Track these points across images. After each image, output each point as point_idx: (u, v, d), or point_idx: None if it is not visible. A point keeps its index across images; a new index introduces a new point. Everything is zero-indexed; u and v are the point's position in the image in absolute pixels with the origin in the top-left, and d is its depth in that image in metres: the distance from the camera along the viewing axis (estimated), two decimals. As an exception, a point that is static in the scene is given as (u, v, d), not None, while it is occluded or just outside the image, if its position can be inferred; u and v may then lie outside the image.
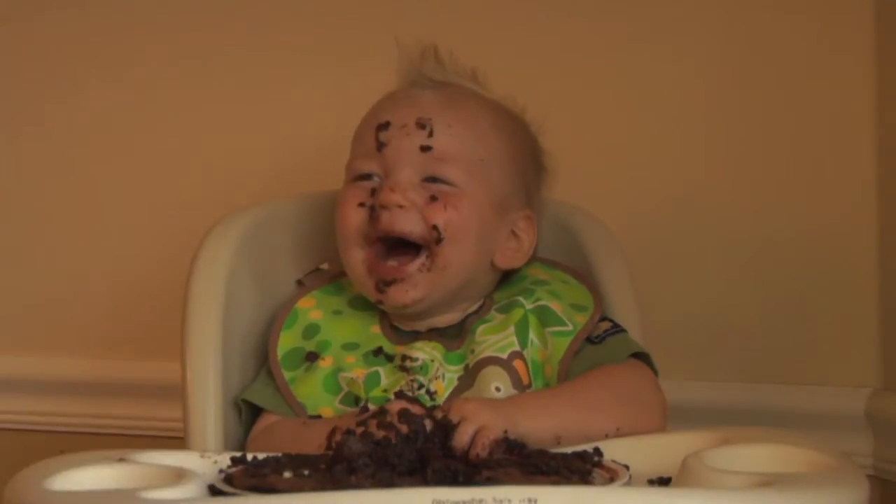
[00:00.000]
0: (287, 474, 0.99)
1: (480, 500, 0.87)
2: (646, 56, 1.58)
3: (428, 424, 1.05)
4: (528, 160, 1.28)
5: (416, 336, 1.25)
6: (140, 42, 1.76)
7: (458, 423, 1.05)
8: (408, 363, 1.21)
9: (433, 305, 1.23)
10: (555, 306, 1.25)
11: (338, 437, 1.10)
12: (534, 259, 1.31)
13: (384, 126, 1.22)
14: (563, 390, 1.18)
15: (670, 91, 1.57)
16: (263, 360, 1.27)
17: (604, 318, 1.27)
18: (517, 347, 1.22)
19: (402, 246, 1.22)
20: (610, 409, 1.15)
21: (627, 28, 1.58)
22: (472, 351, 1.22)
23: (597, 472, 1.01)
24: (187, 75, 1.74)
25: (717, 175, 1.57)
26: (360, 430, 1.04)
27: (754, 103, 1.55)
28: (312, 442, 1.12)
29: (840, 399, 1.52)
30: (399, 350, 1.23)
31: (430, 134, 1.21)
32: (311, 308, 1.28)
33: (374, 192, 1.22)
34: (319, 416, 1.21)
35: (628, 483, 0.98)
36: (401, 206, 1.20)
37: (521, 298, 1.25)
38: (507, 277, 1.29)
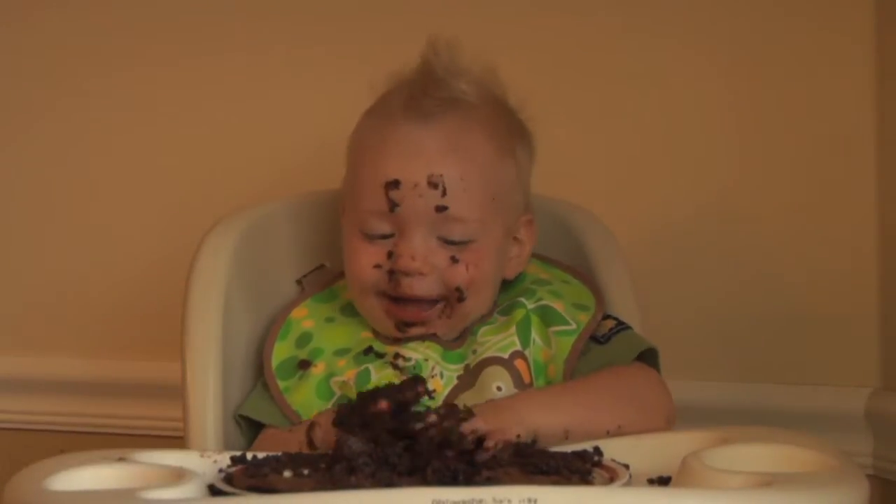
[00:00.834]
0: (287, 474, 0.99)
1: (480, 501, 0.87)
2: (647, 55, 1.58)
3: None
4: (527, 163, 1.28)
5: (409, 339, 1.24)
6: (139, 43, 1.76)
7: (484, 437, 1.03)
8: (400, 362, 1.21)
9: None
10: (557, 306, 1.25)
11: (315, 431, 1.11)
12: (532, 256, 1.31)
13: (394, 184, 1.19)
14: (568, 388, 1.18)
15: (671, 91, 1.57)
16: (260, 363, 1.26)
17: (607, 316, 1.27)
18: (518, 347, 1.22)
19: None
20: (612, 408, 1.16)
21: (628, 27, 1.58)
22: (474, 351, 1.22)
23: (597, 472, 1.01)
24: (186, 77, 1.74)
25: (718, 175, 1.57)
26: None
27: (755, 103, 1.55)
28: (295, 442, 1.13)
29: (840, 399, 1.52)
30: (391, 349, 1.23)
31: (444, 193, 1.19)
32: (304, 317, 1.28)
33: (390, 254, 1.20)
34: None
35: (628, 483, 0.98)
36: (422, 274, 1.19)
37: (522, 299, 1.25)
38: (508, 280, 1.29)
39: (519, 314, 1.24)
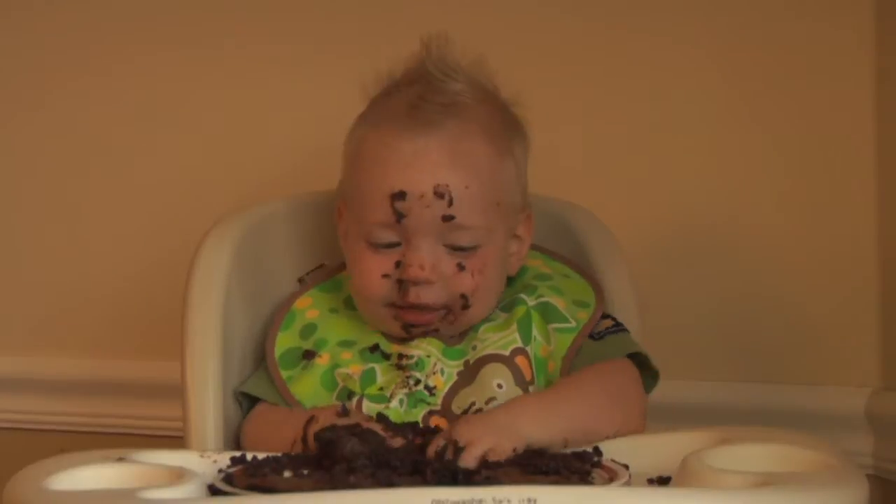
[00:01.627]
0: (287, 474, 0.99)
1: (480, 501, 0.87)
2: (648, 55, 1.58)
3: (397, 443, 1.06)
4: (524, 158, 1.27)
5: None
6: (137, 43, 1.76)
7: (465, 446, 1.04)
8: (404, 361, 1.21)
9: None
10: (557, 303, 1.25)
11: (313, 427, 1.11)
12: (533, 248, 1.31)
13: (400, 196, 1.18)
14: (562, 396, 1.17)
15: (671, 91, 1.57)
16: (262, 361, 1.26)
17: (606, 316, 1.27)
18: (520, 344, 1.22)
19: None
20: (610, 411, 1.16)
21: (628, 26, 1.58)
22: (474, 347, 1.23)
23: (596, 472, 1.01)
24: (185, 77, 1.74)
25: (718, 175, 1.57)
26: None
27: (756, 103, 1.55)
28: (294, 425, 1.13)
29: (840, 398, 1.52)
30: (395, 348, 1.23)
31: (450, 202, 1.18)
32: (308, 307, 1.28)
33: (397, 263, 1.20)
34: None
35: (628, 483, 0.98)
36: (430, 282, 1.20)
37: (523, 295, 1.25)
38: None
39: (520, 311, 1.24)
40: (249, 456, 1.06)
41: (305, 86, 1.68)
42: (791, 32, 1.53)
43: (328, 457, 1.01)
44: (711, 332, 1.57)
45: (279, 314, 1.28)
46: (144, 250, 1.76)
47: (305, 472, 0.99)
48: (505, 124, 1.25)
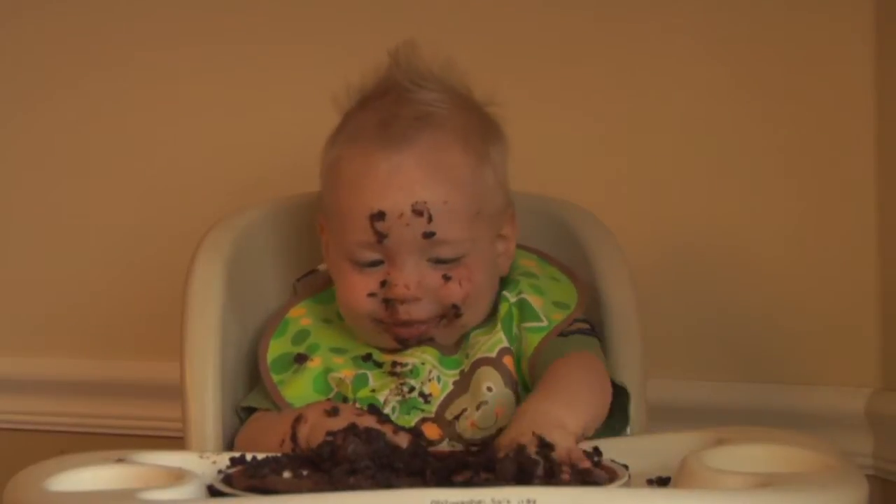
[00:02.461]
0: (287, 474, 0.99)
1: (479, 501, 0.87)
2: (648, 54, 1.58)
3: (403, 439, 1.05)
4: (502, 161, 1.26)
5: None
6: (125, 48, 1.76)
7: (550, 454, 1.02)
8: (398, 368, 1.21)
9: None
10: (534, 301, 1.25)
11: (301, 425, 1.11)
12: (530, 250, 1.31)
13: (379, 216, 1.17)
14: (572, 389, 1.15)
15: (671, 90, 1.57)
16: (254, 367, 1.26)
17: (584, 320, 1.27)
18: (505, 343, 1.22)
19: None
20: (602, 399, 1.16)
21: (629, 28, 1.58)
22: (467, 355, 1.23)
23: (596, 472, 1.01)
24: (185, 77, 1.74)
25: (719, 175, 1.57)
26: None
27: (756, 102, 1.55)
28: (282, 424, 1.13)
29: (840, 399, 1.52)
30: (388, 358, 1.23)
31: (430, 219, 1.18)
32: (302, 316, 1.28)
33: (383, 282, 1.20)
34: None
35: (627, 483, 0.98)
36: (417, 299, 1.19)
37: (505, 292, 1.25)
38: None
39: (503, 309, 1.24)
40: (249, 456, 1.06)
41: (303, 85, 1.68)
42: (791, 33, 1.53)
43: (330, 458, 1.01)
44: (711, 332, 1.57)
45: (273, 322, 1.28)
46: (144, 250, 1.76)
47: (305, 472, 0.99)
48: (480, 129, 1.24)
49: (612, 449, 1.06)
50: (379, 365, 1.22)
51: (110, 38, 1.77)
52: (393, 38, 1.24)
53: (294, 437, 1.12)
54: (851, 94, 1.51)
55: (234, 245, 1.30)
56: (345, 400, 1.20)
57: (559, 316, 1.24)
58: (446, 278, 1.20)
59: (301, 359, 1.24)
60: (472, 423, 1.19)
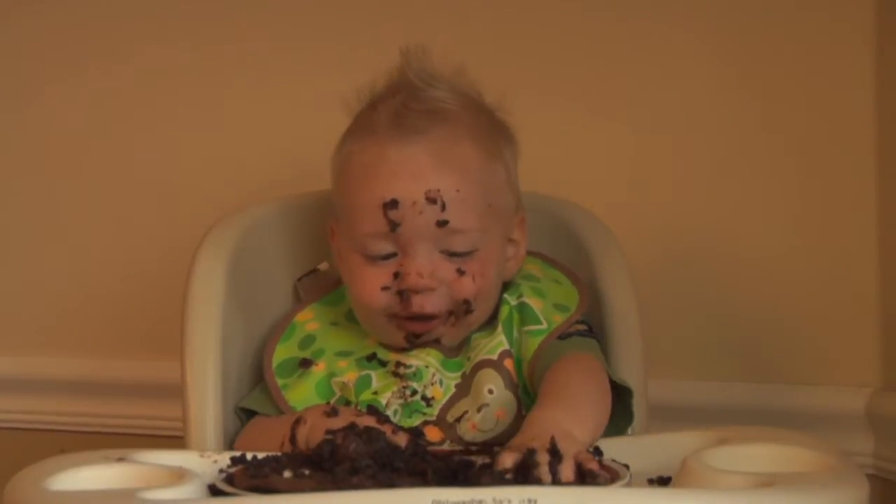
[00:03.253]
0: (287, 474, 0.99)
1: (480, 501, 0.87)
2: (648, 54, 1.58)
3: (402, 439, 1.05)
4: (514, 162, 1.27)
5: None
6: (128, 45, 1.76)
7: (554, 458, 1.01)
8: (401, 370, 1.21)
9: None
10: (535, 304, 1.25)
11: (300, 426, 1.11)
12: (534, 254, 1.31)
13: (392, 204, 1.18)
14: (578, 398, 1.14)
15: (672, 90, 1.57)
16: (260, 364, 1.26)
17: (582, 322, 1.27)
18: (506, 346, 1.23)
19: None
20: (605, 404, 1.15)
21: (630, 29, 1.58)
22: (469, 358, 1.23)
23: (598, 472, 1.01)
24: (184, 76, 1.74)
25: (719, 175, 1.57)
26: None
27: (756, 102, 1.55)
28: (282, 426, 1.13)
29: (840, 398, 1.52)
30: (393, 357, 1.23)
31: (443, 207, 1.18)
32: (309, 320, 1.28)
33: (396, 274, 1.20)
34: None
35: (629, 483, 0.98)
36: (431, 289, 1.19)
37: (506, 295, 1.25)
38: None
39: (504, 312, 1.25)
40: (249, 456, 1.06)
41: (310, 84, 1.68)
42: (792, 33, 1.53)
43: (330, 457, 1.01)
44: (711, 332, 1.57)
45: (280, 326, 1.28)
46: (144, 250, 1.76)
47: (306, 471, 0.99)
48: (492, 128, 1.25)
49: (613, 449, 1.06)
50: (383, 364, 1.22)
51: (112, 35, 1.77)
52: (403, 38, 1.25)
53: (293, 439, 1.12)
54: (852, 95, 1.51)
55: (236, 243, 1.30)
56: (347, 404, 1.20)
57: (559, 318, 1.24)
58: (460, 272, 1.20)
59: (306, 363, 1.24)
60: (473, 426, 1.19)
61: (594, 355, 1.22)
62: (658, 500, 0.91)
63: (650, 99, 1.58)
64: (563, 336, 1.23)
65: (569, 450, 0.99)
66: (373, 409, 1.18)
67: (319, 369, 1.23)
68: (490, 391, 1.20)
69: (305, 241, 1.36)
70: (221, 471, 1.02)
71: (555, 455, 0.98)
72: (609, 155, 1.59)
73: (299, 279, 1.34)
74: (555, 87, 1.59)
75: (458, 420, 1.19)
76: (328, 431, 1.05)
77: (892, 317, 1.51)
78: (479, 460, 1.01)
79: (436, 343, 1.23)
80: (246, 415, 1.24)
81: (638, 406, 1.21)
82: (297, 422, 1.13)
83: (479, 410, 1.19)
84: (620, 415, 1.18)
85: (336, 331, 1.27)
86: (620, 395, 1.18)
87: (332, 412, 1.13)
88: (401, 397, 1.20)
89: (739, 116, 1.56)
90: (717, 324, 1.57)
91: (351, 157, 1.23)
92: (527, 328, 1.23)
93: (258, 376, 1.26)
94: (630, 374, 1.24)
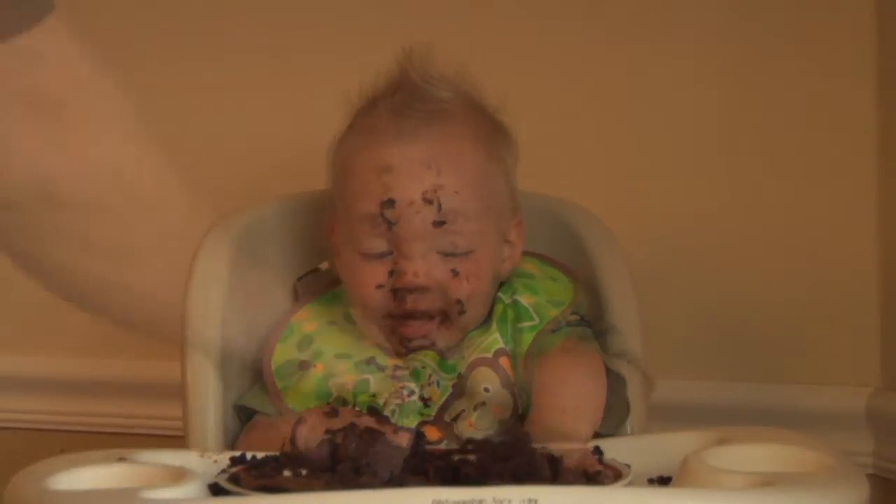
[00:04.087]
0: (287, 473, 0.99)
1: (481, 501, 0.87)
2: (647, 53, 1.58)
3: (403, 439, 1.06)
4: (513, 164, 1.27)
5: None
6: (132, 44, 1.76)
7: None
8: (398, 372, 1.21)
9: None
10: (527, 301, 1.25)
11: (300, 427, 1.11)
12: (531, 254, 1.31)
13: (389, 203, 1.18)
14: (565, 398, 1.15)
15: (673, 89, 1.57)
16: (260, 370, 1.26)
17: (574, 313, 1.27)
18: (501, 344, 1.23)
19: None
20: (600, 394, 1.16)
21: (630, 30, 1.58)
22: (463, 357, 1.23)
23: (600, 471, 1.01)
24: (184, 75, 1.74)
25: (719, 174, 1.57)
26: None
27: (756, 100, 1.55)
28: (283, 427, 1.13)
29: (841, 398, 1.52)
30: (390, 361, 1.23)
31: (440, 208, 1.18)
32: (305, 321, 1.28)
33: (391, 272, 1.20)
34: None
35: (630, 483, 0.98)
36: (426, 289, 1.19)
37: (500, 294, 1.25)
38: None
39: (498, 310, 1.25)
40: (249, 456, 1.06)
41: (304, 84, 1.68)
42: (792, 33, 1.53)
43: (331, 457, 1.01)
44: (711, 331, 1.57)
45: (277, 327, 1.28)
46: (144, 250, 1.76)
47: (303, 471, 0.99)
48: (492, 130, 1.25)
49: (614, 448, 1.06)
50: (381, 369, 1.22)
51: (111, 33, 1.77)
52: (404, 38, 1.25)
53: (294, 440, 1.12)
54: (853, 94, 1.51)
55: (237, 242, 1.30)
56: (344, 403, 1.20)
57: (554, 312, 1.25)
58: (454, 273, 1.20)
59: (305, 365, 1.24)
60: (470, 424, 1.19)
61: (585, 342, 1.22)
62: (658, 499, 0.91)
63: (650, 98, 1.58)
64: (556, 329, 1.23)
65: (573, 453, 1.01)
66: (373, 410, 1.18)
67: (318, 371, 1.23)
68: (486, 389, 1.20)
69: (306, 240, 1.36)
70: (224, 471, 1.02)
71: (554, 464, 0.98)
72: (609, 155, 1.59)
73: (299, 279, 1.34)
74: (555, 87, 1.59)
75: (456, 419, 1.19)
76: (328, 431, 1.06)
77: (892, 316, 1.51)
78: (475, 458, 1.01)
79: (433, 346, 1.23)
80: (244, 412, 1.24)
81: (638, 405, 1.21)
82: (298, 422, 1.13)
83: (475, 409, 1.20)
84: (617, 407, 1.19)
85: (334, 331, 1.27)
86: (614, 387, 1.19)
87: (332, 413, 1.13)
88: (398, 398, 1.20)
89: (740, 116, 1.56)
90: (717, 323, 1.57)
91: (350, 155, 1.23)
92: (520, 324, 1.24)
93: (258, 376, 1.26)
94: (630, 374, 1.24)
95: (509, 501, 0.87)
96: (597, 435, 1.13)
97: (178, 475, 0.97)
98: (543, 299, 1.26)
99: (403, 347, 1.22)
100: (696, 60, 1.56)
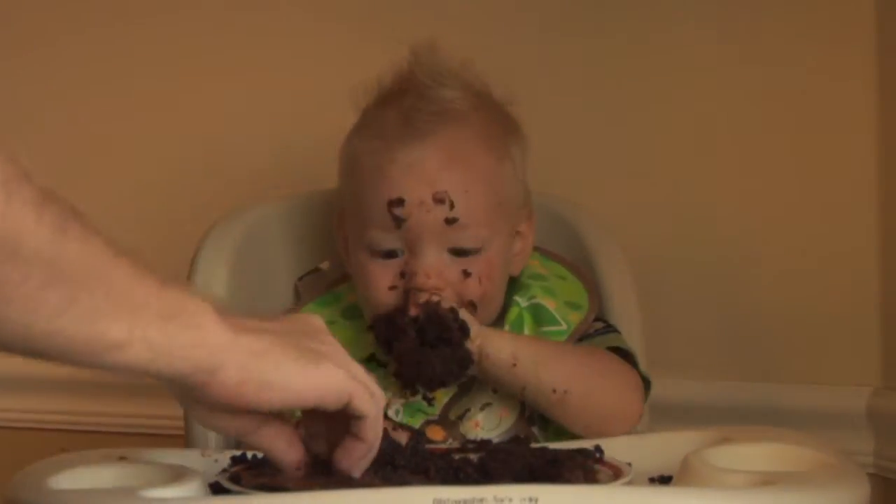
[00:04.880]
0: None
1: (481, 500, 0.87)
2: (649, 53, 1.58)
3: (402, 436, 1.05)
4: (522, 158, 1.27)
5: None
6: (136, 40, 1.76)
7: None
8: None
9: None
10: (549, 304, 1.25)
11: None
12: (533, 249, 1.31)
13: (398, 202, 1.18)
14: (538, 338, 1.21)
15: (673, 89, 1.57)
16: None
17: (598, 319, 1.27)
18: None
19: None
20: (571, 368, 1.18)
21: (630, 29, 1.58)
22: (472, 356, 1.22)
23: (600, 469, 1.01)
24: (184, 74, 1.74)
25: (720, 174, 1.57)
26: None
27: (757, 101, 1.55)
28: None
29: (841, 398, 1.52)
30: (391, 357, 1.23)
31: (451, 207, 1.18)
32: None
33: (402, 273, 1.20)
34: None
35: (630, 481, 0.98)
36: (438, 289, 1.18)
37: (516, 297, 1.25)
38: None
39: (513, 313, 1.25)
40: (249, 455, 1.06)
41: (304, 83, 1.68)
42: (792, 33, 1.53)
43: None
44: (712, 331, 1.57)
45: None
46: (146, 248, 1.75)
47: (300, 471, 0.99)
48: (501, 127, 1.25)
49: (615, 447, 1.06)
50: (382, 366, 1.22)
51: (113, 32, 1.77)
52: (412, 33, 1.25)
53: None
54: (853, 93, 1.51)
55: (239, 241, 1.30)
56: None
57: (575, 317, 1.25)
58: (466, 274, 1.20)
59: None
60: (476, 424, 1.19)
61: (624, 347, 1.23)
62: (659, 498, 0.91)
63: (652, 98, 1.58)
64: (586, 338, 1.24)
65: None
66: None
67: None
68: (494, 390, 1.20)
69: (308, 240, 1.36)
70: (224, 470, 1.02)
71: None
72: (609, 154, 1.59)
73: (300, 278, 1.34)
74: (555, 87, 1.59)
75: (461, 418, 1.19)
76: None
77: (892, 316, 1.51)
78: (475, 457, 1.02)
79: None
80: None
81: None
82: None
83: (482, 409, 1.19)
84: None
85: (333, 330, 1.26)
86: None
87: None
88: (402, 397, 1.20)
89: (740, 115, 1.56)
90: (718, 324, 1.57)
91: (360, 156, 1.23)
92: (544, 329, 1.24)
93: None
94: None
95: (510, 500, 0.86)
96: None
97: (179, 474, 0.97)
98: (562, 302, 1.26)
99: None
100: (697, 59, 1.56)
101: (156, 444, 1.11)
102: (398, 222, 1.18)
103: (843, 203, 1.53)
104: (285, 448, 0.95)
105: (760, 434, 1.06)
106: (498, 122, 1.25)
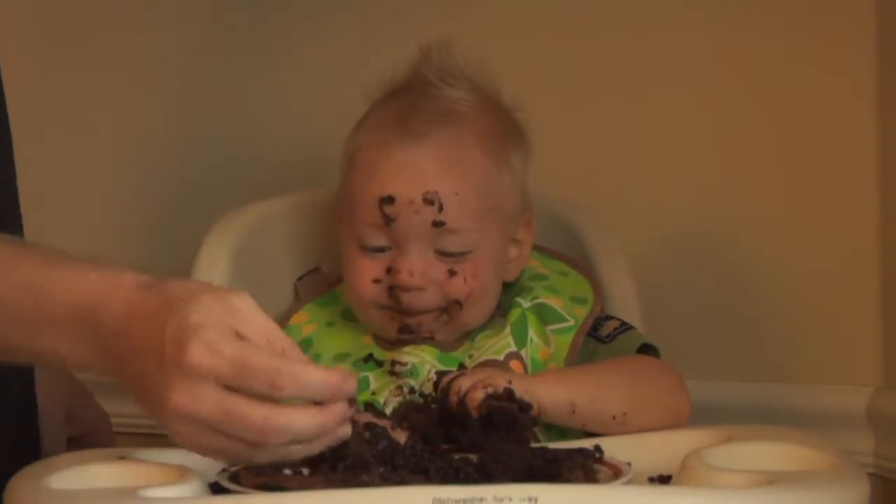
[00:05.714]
0: (287, 472, 0.98)
1: (481, 499, 0.87)
2: (651, 55, 1.58)
3: (401, 436, 1.06)
4: (523, 165, 1.27)
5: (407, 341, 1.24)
6: (136, 40, 1.76)
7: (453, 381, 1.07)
8: (397, 368, 1.21)
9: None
10: (554, 302, 1.25)
11: None
12: (533, 248, 1.31)
13: (388, 200, 1.19)
14: (577, 368, 1.20)
15: (673, 89, 1.57)
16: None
17: (610, 318, 1.27)
18: (514, 348, 1.22)
19: None
20: (622, 392, 1.16)
21: (630, 29, 1.58)
22: (471, 356, 1.22)
23: (600, 468, 1.01)
24: (184, 73, 1.74)
25: (720, 174, 1.57)
26: None
27: (757, 101, 1.55)
28: None
29: (841, 397, 1.52)
30: (389, 356, 1.23)
31: (440, 209, 1.19)
32: (305, 323, 1.28)
33: (389, 269, 1.20)
34: None
35: (630, 481, 0.98)
36: (421, 289, 1.19)
37: (518, 298, 1.25)
38: None
39: (515, 314, 1.24)
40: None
41: (305, 83, 1.68)
42: (792, 33, 1.53)
43: (331, 455, 1.01)
44: (712, 331, 1.57)
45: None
46: (144, 250, 1.76)
47: (304, 470, 0.99)
48: (503, 132, 1.25)
49: (615, 447, 1.06)
50: (379, 364, 1.22)
51: (113, 32, 1.77)
52: (422, 34, 1.25)
53: None
54: (853, 92, 1.51)
55: (241, 239, 1.30)
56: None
57: (582, 311, 1.25)
58: (451, 273, 1.20)
59: None
60: None
61: (642, 355, 1.23)
62: (659, 498, 0.91)
63: (651, 99, 1.58)
64: (607, 340, 1.24)
65: (467, 375, 1.09)
66: (370, 407, 1.18)
67: None
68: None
69: (310, 239, 1.36)
70: (224, 469, 1.02)
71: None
72: (609, 155, 1.59)
73: (300, 278, 1.34)
74: (557, 87, 1.59)
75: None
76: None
77: (893, 315, 1.51)
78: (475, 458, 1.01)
79: (431, 339, 1.23)
80: None
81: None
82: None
83: (480, 410, 1.19)
84: None
85: (332, 331, 1.27)
86: None
87: None
88: (398, 395, 1.20)
89: (742, 118, 1.55)
90: (718, 323, 1.57)
91: (357, 150, 1.24)
92: (551, 327, 1.24)
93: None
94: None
95: (509, 500, 0.86)
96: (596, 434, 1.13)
97: (179, 474, 0.97)
98: (567, 298, 1.26)
99: (401, 334, 1.22)
100: (699, 59, 1.56)
101: (156, 444, 1.11)
102: (387, 220, 1.19)
103: (843, 203, 1.53)
104: None
105: (760, 434, 1.06)
106: (501, 127, 1.25)
